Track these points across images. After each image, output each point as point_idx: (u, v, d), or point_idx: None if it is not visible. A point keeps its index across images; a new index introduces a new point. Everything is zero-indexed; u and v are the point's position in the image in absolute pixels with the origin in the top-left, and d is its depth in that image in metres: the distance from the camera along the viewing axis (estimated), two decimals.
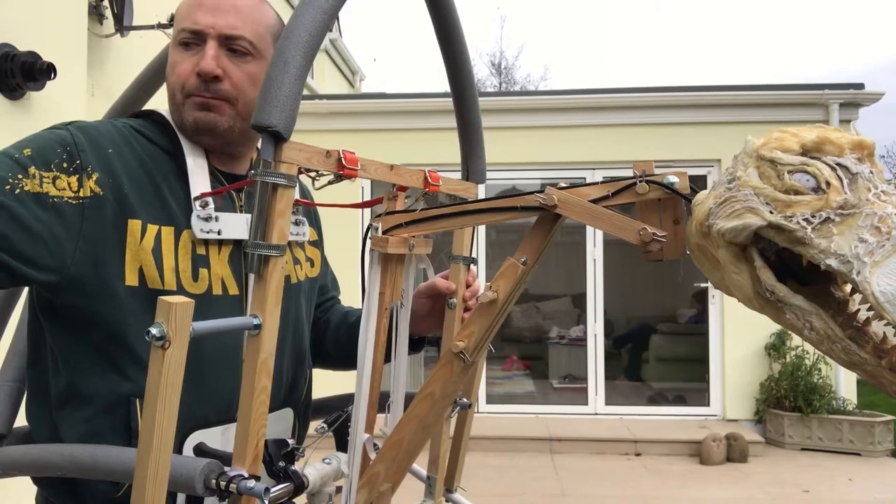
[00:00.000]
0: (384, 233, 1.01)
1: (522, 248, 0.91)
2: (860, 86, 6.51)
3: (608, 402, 6.75)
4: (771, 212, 0.70)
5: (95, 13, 3.69)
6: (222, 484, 0.79)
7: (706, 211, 0.76)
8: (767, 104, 6.55)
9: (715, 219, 0.74)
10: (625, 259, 8.51)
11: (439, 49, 1.16)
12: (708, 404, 6.66)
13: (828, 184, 0.68)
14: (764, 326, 6.37)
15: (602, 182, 0.89)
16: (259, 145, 1.07)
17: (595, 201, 0.88)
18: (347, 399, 1.10)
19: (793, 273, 0.72)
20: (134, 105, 1.36)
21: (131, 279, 0.99)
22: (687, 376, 7.32)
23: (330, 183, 0.98)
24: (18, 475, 0.97)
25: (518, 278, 0.90)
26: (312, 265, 1.26)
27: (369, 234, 1.03)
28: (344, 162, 0.93)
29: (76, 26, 3.35)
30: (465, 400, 1.21)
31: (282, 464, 0.91)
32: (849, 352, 0.67)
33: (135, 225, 0.99)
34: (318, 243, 1.30)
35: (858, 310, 0.68)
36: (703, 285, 6.83)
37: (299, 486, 0.92)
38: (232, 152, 1.14)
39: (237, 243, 1.08)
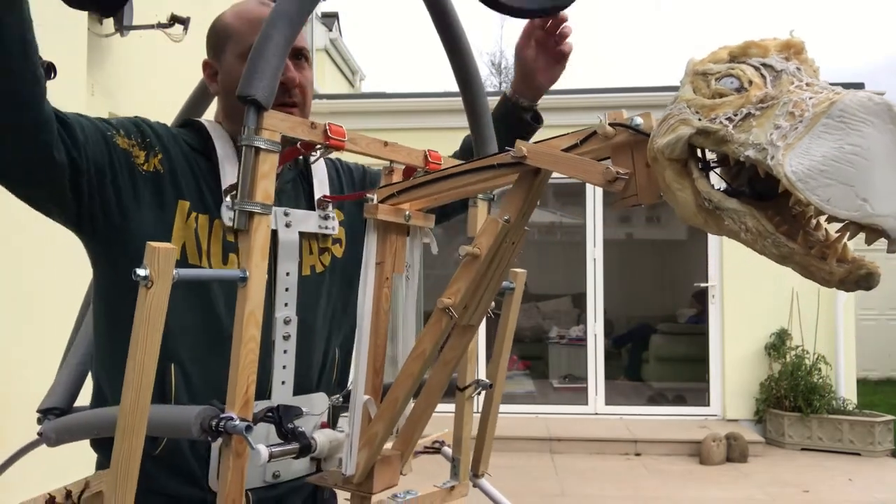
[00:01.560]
0: (381, 201, 1.06)
1: (505, 207, 0.92)
2: (860, 85, 6.51)
3: (608, 402, 6.75)
4: (699, 119, 0.71)
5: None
6: (213, 425, 0.86)
7: (652, 136, 0.76)
8: None
9: (655, 138, 0.75)
10: (625, 259, 8.52)
11: (438, 36, 1.19)
12: (708, 404, 6.66)
13: (750, 82, 0.69)
14: (764, 326, 6.37)
15: (572, 132, 0.89)
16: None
17: (566, 151, 0.88)
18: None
19: (759, 197, 0.73)
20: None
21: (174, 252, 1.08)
22: (687, 376, 7.32)
23: (321, 155, 1.03)
24: (70, 441, 1.10)
25: (499, 235, 0.91)
26: (341, 245, 1.31)
27: (369, 204, 1.09)
28: (329, 132, 0.99)
29: (76, 26, 3.35)
30: (486, 380, 1.24)
31: (290, 426, 0.97)
32: (778, 244, 0.68)
33: (184, 205, 1.14)
34: (343, 223, 1.34)
35: (811, 216, 0.68)
36: (702, 285, 6.83)
37: (305, 447, 0.97)
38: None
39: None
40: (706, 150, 0.74)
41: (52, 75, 3.07)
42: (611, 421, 6.47)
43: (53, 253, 3.13)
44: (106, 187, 1.08)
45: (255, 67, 0.90)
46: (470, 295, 0.95)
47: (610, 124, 0.84)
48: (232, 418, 0.87)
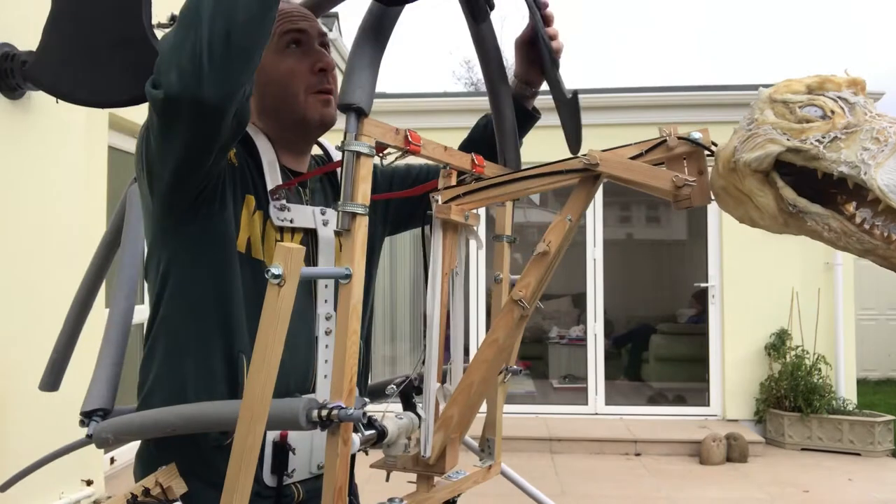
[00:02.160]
0: (445, 201, 1.14)
1: (568, 208, 1.04)
2: None
3: (608, 402, 6.74)
4: (788, 139, 0.85)
5: None
6: (323, 414, 0.90)
7: (731, 150, 0.91)
8: None
9: (741, 153, 0.89)
10: (625, 259, 8.52)
11: (474, 47, 1.28)
12: (708, 404, 6.66)
13: (832, 112, 0.84)
14: (764, 326, 6.37)
15: (635, 143, 1.01)
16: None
17: (632, 159, 1.00)
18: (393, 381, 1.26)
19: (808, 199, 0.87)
20: None
21: (241, 245, 1.16)
22: (687, 376, 7.32)
23: (397, 158, 1.09)
24: (130, 441, 1.12)
25: (566, 233, 1.04)
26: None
27: (431, 205, 1.17)
28: (409, 139, 1.06)
29: None
30: (515, 367, 1.32)
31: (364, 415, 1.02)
32: (863, 241, 0.82)
33: (250, 200, 1.17)
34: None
35: (864, 219, 0.83)
36: (703, 285, 6.83)
37: (381, 433, 1.02)
38: (306, 150, 1.31)
39: (306, 232, 1.23)
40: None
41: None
42: (611, 421, 6.47)
43: (52, 253, 3.13)
44: (223, 169, 1.13)
45: (357, 77, 0.95)
46: (537, 286, 1.05)
47: (676, 136, 0.97)
48: (343, 407, 0.90)
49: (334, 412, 0.90)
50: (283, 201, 1.20)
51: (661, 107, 6.62)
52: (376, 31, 0.98)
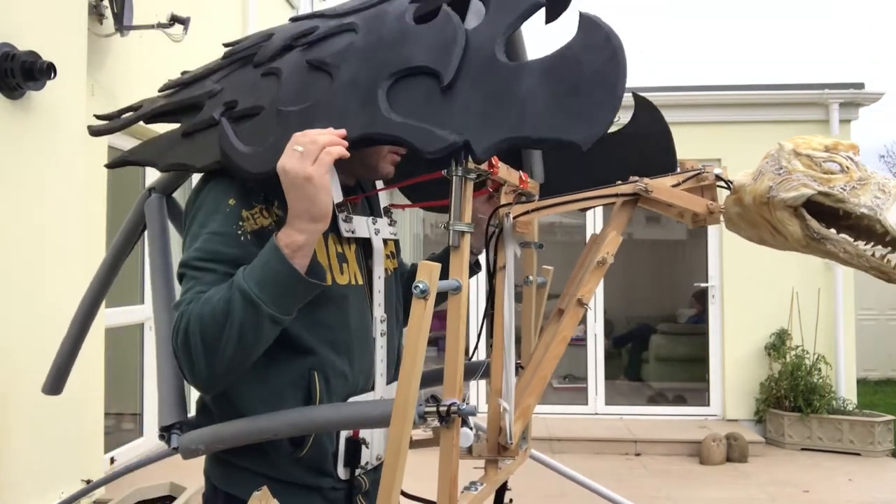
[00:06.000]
0: (515, 217, 1.27)
1: (616, 226, 1.23)
2: (860, 85, 6.50)
3: (608, 402, 6.75)
4: (819, 185, 1.09)
5: (95, 13, 3.69)
6: (442, 410, 1.00)
7: (766, 188, 1.13)
8: (767, 104, 6.55)
9: (776, 192, 1.12)
10: (624, 259, 8.51)
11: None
12: (708, 404, 6.66)
13: (847, 167, 1.09)
14: (764, 326, 6.37)
15: (673, 174, 1.24)
16: None
17: (673, 187, 1.21)
18: (437, 373, 1.36)
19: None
20: None
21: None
22: (687, 376, 7.32)
23: (479, 178, 1.18)
24: (220, 449, 1.20)
25: (618, 245, 1.23)
26: (393, 258, 1.45)
27: (506, 220, 1.27)
28: (492, 161, 1.16)
29: (76, 26, 3.35)
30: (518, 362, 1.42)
31: (455, 408, 1.09)
32: (870, 260, 1.08)
33: None
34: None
35: (870, 244, 1.10)
36: (703, 285, 6.83)
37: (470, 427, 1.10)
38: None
39: (358, 241, 1.32)
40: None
41: (53, 75, 3.07)
42: (611, 421, 6.47)
43: (51, 253, 3.13)
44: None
45: None
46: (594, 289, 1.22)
47: (712, 174, 1.21)
48: (458, 403, 1.00)
49: (453, 408, 0.99)
50: (347, 213, 1.27)
51: (662, 107, 6.60)
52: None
